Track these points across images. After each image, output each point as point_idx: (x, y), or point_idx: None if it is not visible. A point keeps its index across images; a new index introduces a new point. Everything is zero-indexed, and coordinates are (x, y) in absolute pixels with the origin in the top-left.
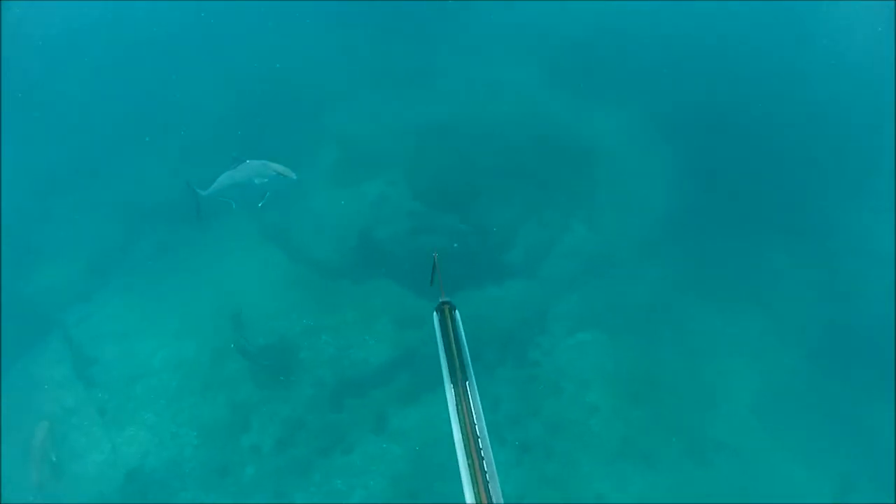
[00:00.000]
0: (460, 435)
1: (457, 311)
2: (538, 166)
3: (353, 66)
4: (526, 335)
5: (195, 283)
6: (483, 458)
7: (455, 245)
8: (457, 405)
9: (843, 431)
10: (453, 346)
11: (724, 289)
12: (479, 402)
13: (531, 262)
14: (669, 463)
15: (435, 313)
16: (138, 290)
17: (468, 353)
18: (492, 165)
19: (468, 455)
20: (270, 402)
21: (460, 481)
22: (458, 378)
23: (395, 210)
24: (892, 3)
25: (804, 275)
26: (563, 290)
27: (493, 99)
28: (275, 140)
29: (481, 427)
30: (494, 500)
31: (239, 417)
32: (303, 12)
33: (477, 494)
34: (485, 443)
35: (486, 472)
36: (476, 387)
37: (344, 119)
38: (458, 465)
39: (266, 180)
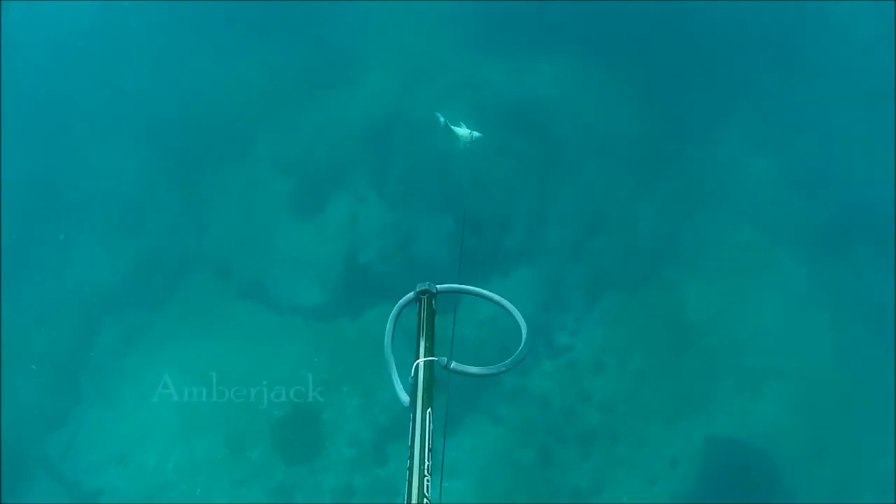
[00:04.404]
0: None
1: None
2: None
3: (262, 81)
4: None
5: (177, 370)
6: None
7: None
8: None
9: None
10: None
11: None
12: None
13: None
14: (725, 404)
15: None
16: (116, 396)
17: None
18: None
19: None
20: (310, 477)
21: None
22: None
23: (373, 226)
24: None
25: None
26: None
27: (422, 79)
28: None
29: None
30: None
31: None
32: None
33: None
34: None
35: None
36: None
37: (279, 142)
38: None
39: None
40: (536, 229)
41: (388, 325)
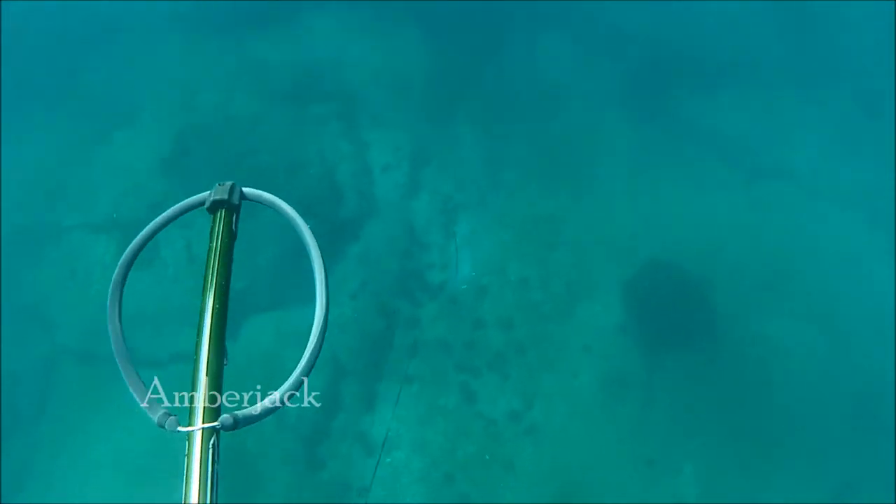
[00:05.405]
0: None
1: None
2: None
3: (39, 149)
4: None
5: (82, 468)
6: None
7: None
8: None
9: None
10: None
11: None
12: None
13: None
14: (610, 276)
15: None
16: None
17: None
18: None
19: None
20: None
21: None
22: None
23: None
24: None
25: None
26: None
27: (200, 87)
28: None
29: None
30: None
31: None
32: None
33: None
34: None
35: None
36: None
37: (82, 205)
38: None
39: None
40: (367, 186)
41: (128, 250)
